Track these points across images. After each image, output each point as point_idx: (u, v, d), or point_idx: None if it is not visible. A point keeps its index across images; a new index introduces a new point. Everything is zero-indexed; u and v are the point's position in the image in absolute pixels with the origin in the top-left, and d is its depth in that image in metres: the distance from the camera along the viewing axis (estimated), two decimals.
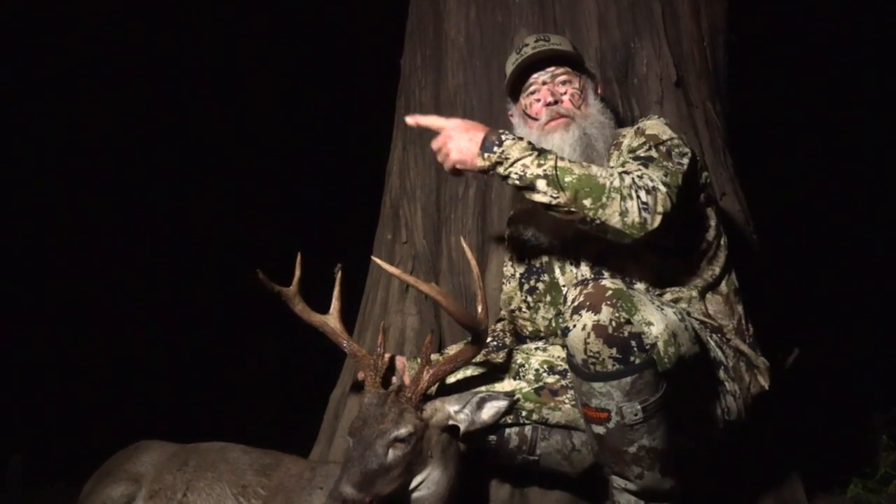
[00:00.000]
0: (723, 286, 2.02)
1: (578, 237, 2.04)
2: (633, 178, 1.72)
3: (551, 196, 1.73)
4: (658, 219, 1.70)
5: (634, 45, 2.61)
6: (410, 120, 1.96)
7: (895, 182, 5.40)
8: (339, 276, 2.10)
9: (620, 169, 1.77)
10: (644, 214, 1.69)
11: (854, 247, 5.31)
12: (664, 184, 1.75)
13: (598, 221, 1.70)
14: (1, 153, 6.06)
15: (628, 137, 1.99)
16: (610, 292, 1.59)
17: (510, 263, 2.29)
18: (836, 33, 5.71)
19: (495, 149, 1.77)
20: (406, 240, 2.69)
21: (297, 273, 2.07)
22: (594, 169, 1.72)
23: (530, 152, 1.76)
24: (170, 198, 6.55)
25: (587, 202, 1.68)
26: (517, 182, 1.76)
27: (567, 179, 1.69)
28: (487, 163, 1.77)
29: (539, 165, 1.72)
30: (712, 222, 2.02)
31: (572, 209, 1.72)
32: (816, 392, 2.82)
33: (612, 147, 2.05)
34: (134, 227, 6.45)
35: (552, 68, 2.08)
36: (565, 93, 2.06)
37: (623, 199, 1.68)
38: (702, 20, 2.75)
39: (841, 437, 2.94)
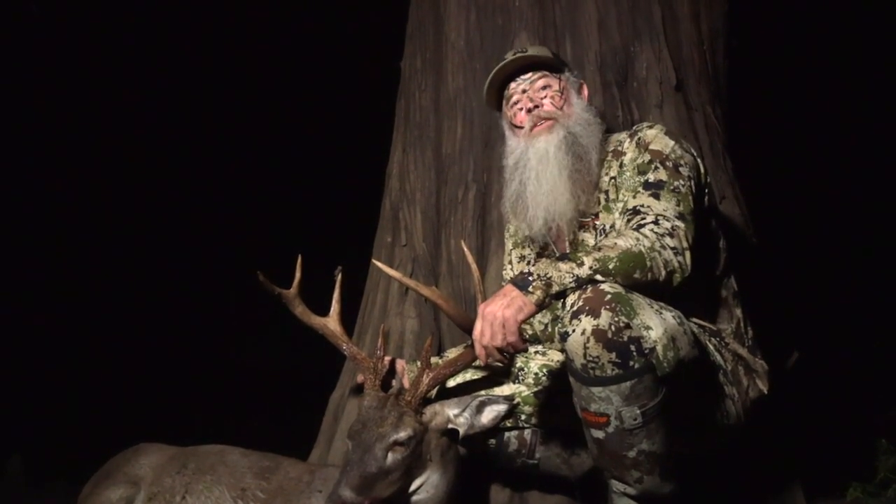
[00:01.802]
0: (722, 290, 2.03)
1: (576, 241, 2.05)
2: (654, 231, 1.74)
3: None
4: (688, 254, 1.75)
5: (634, 49, 2.61)
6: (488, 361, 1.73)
7: (894, 186, 5.40)
8: (339, 278, 2.10)
9: (636, 224, 1.78)
10: (678, 258, 1.73)
11: (853, 250, 5.31)
12: (679, 216, 1.79)
13: (650, 283, 1.71)
14: (1, 153, 6.06)
15: (630, 150, 1.99)
16: (609, 296, 1.59)
17: (509, 266, 2.29)
18: (836, 37, 5.72)
19: (531, 279, 1.66)
20: (406, 243, 2.69)
21: (298, 275, 2.07)
22: (620, 242, 1.71)
23: (558, 262, 1.69)
24: (170, 199, 6.55)
25: (637, 275, 1.69)
26: (575, 287, 1.67)
27: (612, 266, 1.66)
28: (539, 292, 1.65)
29: (580, 265, 1.66)
30: (711, 226, 2.02)
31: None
32: (816, 396, 2.82)
33: (609, 154, 2.06)
34: (134, 228, 6.45)
35: (529, 75, 2.09)
36: (545, 96, 2.07)
37: (659, 254, 1.71)
38: (702, 24, 2.75)
39: (840, 441, 2.94)
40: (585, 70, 2.56)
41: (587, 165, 2.00)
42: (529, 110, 2.07)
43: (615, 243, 1.71)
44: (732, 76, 2.88)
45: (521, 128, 2.08)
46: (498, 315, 1.64)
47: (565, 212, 1.99)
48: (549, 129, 2.03)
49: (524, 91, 2.09)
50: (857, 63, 5.80)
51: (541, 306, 1.66)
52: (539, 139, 2.03)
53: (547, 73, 2.09)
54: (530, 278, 1.66)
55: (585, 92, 2.15)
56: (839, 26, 5.68)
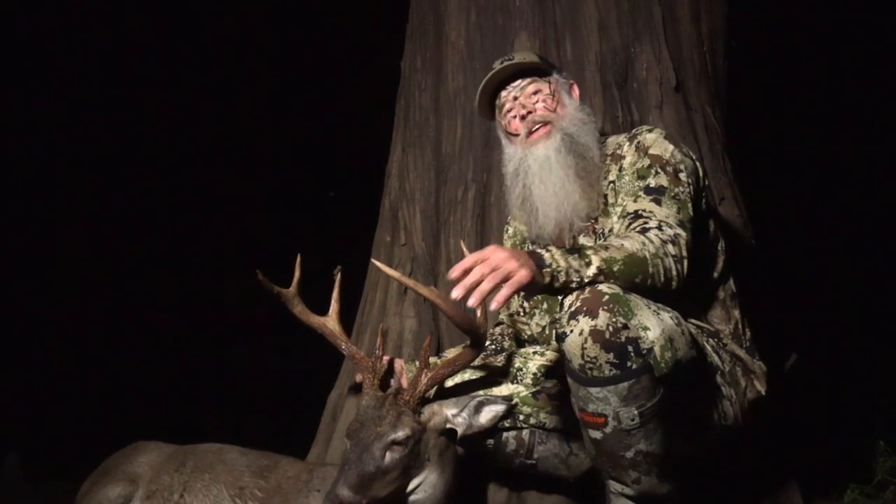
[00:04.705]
0: (720, 291, 2.03)
1: (576, 243, 2.05)
2: (658, 237, 1.74)
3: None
4: (686, 262, 1.76)
5: (634, 50, 2.61)
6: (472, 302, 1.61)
7: (892, 187, 5.41)
8: (338, 277, 2.10)
9: (640, 228, 1.78)
10: (678, 266, 1.74)
11: (852, 252, 5.32)
12: (680, 223, 1.80)
13: (648, 289, 1.71)
14: (1, 153, 6.06)
15: (630, 154, 1.98)
16: (607, 297, 1.60)
17: None
18: (836, 38, 5.72)
19: (545, 263, 1.63)
20: (405, 242, 2.69)
21: (297, 274, 2.07)
22: (626, 244, 1.71)
23: (569, 256, 1.66)
24: (169, 199, 6.56)
25: (638, 280, 1.69)
26: (575, 286, 1.66)
27: (616, 269, 1.66)
28: (547, 278, 1.64)
29: (588, 265, 1.65)
30: (710, 227, 2.03)
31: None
32: (813, 397, 2.83)
33: (608, 157, 2.05)
34: (133, 227, 6.45)
35: (518, 81, 2.08)
36: (537, 101, 2.06)
37: (661, 261, 1.71)
38: (701, 25, 2.75)
39: (838, 443, 2.95)
40: (585, 71, 2.56)
41: (591, 163, 2.00)
42: (523, 117, 2.06)
43: (622, 244, 1.71)
44: (732, 77, 2.88)
45: (517, 135, 2.07)
46: (504, 265, 1.56)
47: (579, 209, 1.98)
48: (547, 135, 2.02)
49: (515, 98, 2.08)
50: (856, 64, 5.81)
51: (540, 288, 1.64)
52: (538, 145, 2.01)
53: (536, 77, 2.08)
54: (545, 262, 1.63)
55: (576, 91, 2.14)
56: (839, 27, 5.68)
